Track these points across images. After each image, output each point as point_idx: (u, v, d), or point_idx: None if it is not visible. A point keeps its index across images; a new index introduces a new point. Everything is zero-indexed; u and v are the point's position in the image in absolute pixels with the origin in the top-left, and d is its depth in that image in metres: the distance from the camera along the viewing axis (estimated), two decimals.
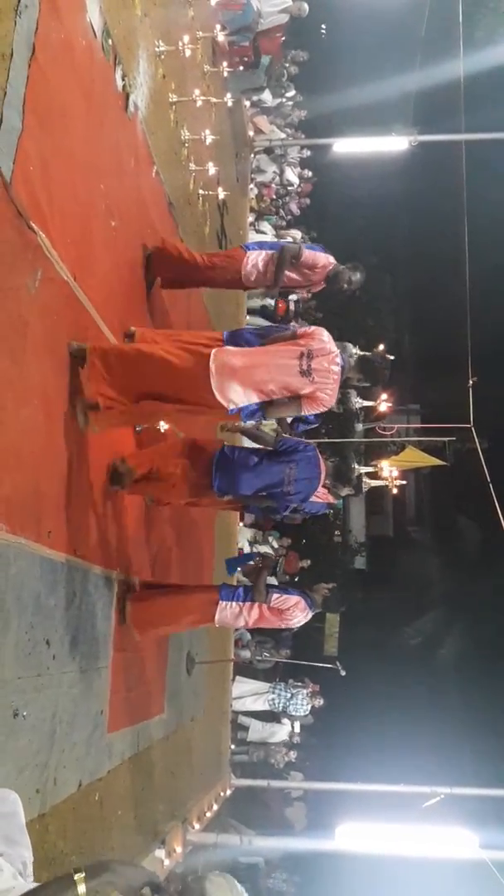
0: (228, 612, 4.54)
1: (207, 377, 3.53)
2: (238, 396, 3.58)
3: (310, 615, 4.64)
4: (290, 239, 12.56)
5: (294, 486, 4.18)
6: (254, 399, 3.61)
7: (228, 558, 5.56)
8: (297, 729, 10.55)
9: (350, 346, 4.80)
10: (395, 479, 5.53)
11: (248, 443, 4.91)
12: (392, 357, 5.31)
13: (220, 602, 4.54)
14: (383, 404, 5.75)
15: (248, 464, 4.24)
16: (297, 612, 4.53)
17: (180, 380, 3.60)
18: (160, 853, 5.02)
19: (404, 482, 5.82)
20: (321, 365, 3.59)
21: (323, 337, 3.68)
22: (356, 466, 4.39)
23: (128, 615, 4.33)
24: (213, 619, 4.60)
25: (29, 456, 3.06)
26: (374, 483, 5.10)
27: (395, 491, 5.64)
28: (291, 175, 13.17)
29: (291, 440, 4.37)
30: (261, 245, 4.95)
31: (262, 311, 11.45)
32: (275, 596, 4.51)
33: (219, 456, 4.28)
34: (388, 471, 5.48)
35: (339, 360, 3.70)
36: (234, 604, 4.52)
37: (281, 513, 4.53)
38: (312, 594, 4.64)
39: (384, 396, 5.79)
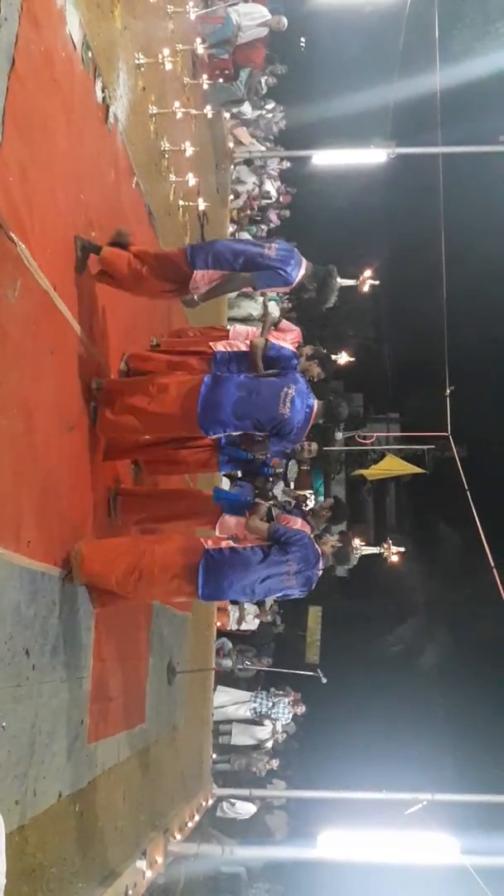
0: None
1: None
2: None
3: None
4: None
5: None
6: None
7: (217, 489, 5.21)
8: (280, 728, 10.51)
9: (334, 271, 4.62)
10: (391, 548, 5.36)
11: None
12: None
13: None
14: (368, 283, 5.33)
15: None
16: None
17: None
18: (141, 864, 4.98)
19: (402, 549, 5.54)
20: None
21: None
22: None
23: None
24: None
25: (7, 465, 3.06)
26: (368, 551, 5.09)
27: (394, 559, 5.39)
28: (270, 187, 13.26)
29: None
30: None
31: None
32: None
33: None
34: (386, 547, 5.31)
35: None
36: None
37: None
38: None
39: (367, 273, 5.36)
